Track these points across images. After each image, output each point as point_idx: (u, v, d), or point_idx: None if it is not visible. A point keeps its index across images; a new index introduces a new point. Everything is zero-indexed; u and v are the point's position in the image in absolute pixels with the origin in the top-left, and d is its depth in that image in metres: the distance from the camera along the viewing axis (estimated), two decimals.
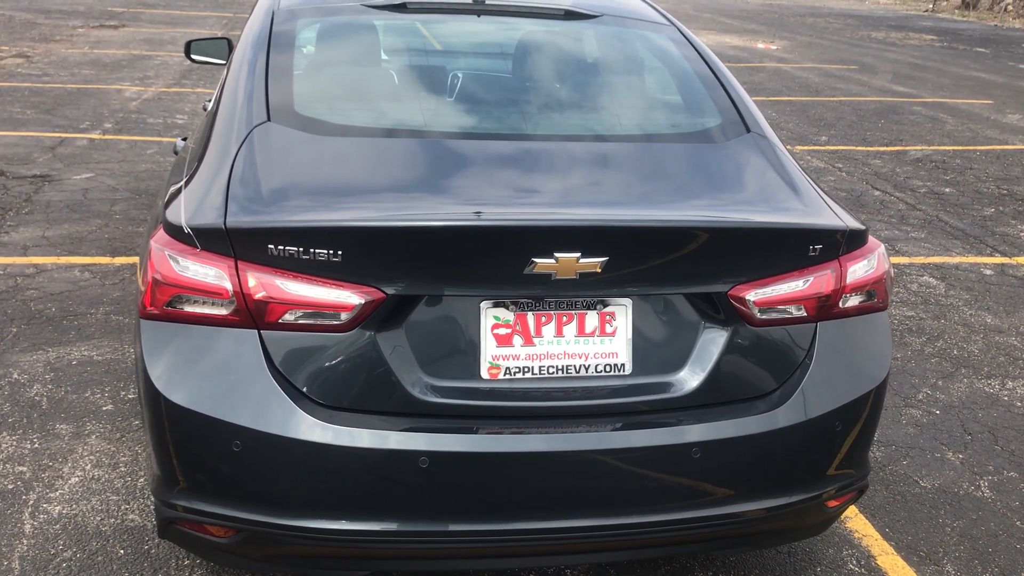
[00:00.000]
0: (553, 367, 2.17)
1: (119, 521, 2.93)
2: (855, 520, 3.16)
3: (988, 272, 5.76)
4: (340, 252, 2.02)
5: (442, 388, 2.12)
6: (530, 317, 2.15)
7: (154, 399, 2.12)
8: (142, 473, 3.19)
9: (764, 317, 2.22)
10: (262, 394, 2.07)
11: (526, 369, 2.16)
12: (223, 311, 2.09)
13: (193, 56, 4.87)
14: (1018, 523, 3.22)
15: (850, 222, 2.33)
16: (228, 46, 4.82)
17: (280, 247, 2.03)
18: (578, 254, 2.04)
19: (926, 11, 31.22)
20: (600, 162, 2.43)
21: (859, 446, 2.39)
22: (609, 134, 2.60)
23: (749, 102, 2.77)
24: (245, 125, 2.40)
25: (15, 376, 3.79)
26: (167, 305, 2.12)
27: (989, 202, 7.33)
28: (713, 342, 2.22)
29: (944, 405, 4.01)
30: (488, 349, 2.14)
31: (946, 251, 6.10)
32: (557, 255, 2.04)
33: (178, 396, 2.09)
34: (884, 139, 9.47)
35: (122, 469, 3.21)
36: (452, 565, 2.27)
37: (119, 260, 5.12)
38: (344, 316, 2.06)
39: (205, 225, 2.08)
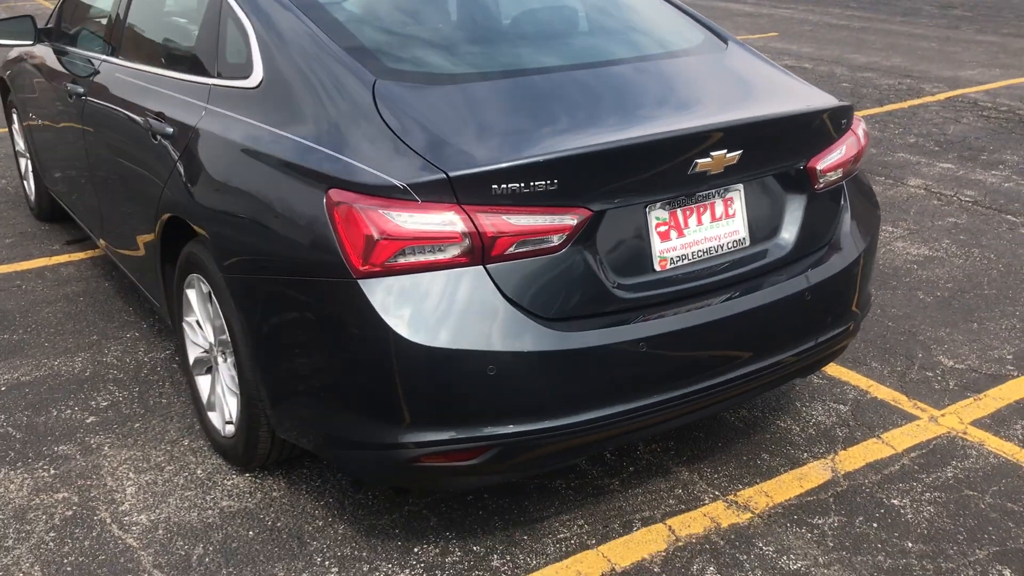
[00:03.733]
0: (699, 251, 2.59)
1: (217, 511, 2.90)
2: None
3: None
4: (556, 180, 2.27)
5: (633, 284, 2.47)
6: (679, 213, 2.55)
7: (389, 347, 2.24)
8: (196, 464, 3.11)
9: (823, 181, 2.80)
10: (504, 320, 2.28)
11: (683, 256, 2.56)
12: (452, 254, 2.25)
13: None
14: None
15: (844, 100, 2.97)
16: (32, 24, 4.42)
17: (503, 185, 2.23)
18: (726, 150, 2.47)
19: None
20: (679, 75, 2.84)
21: (872, 273, 3.08)
22: (659, 52, 2.98)
23: (709, 20, 3.29)
24: (359, 84, 2.49)
25: None
26: (389, 260, 2.24)
27: None
28: (796, 208, 2.76)
29: None
30: (656, 245, 2.51)
31: None
32: (712, 154, 2.45)
33: (427, 338, 2.23)
34: None
35: (169, 468, 3.11)
36: (662, 428, 2.64)
37: None
38: (556, 238, 2.32)
39: (425, 179, 2.22)
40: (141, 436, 3.29)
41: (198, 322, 3.16)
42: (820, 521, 2.86)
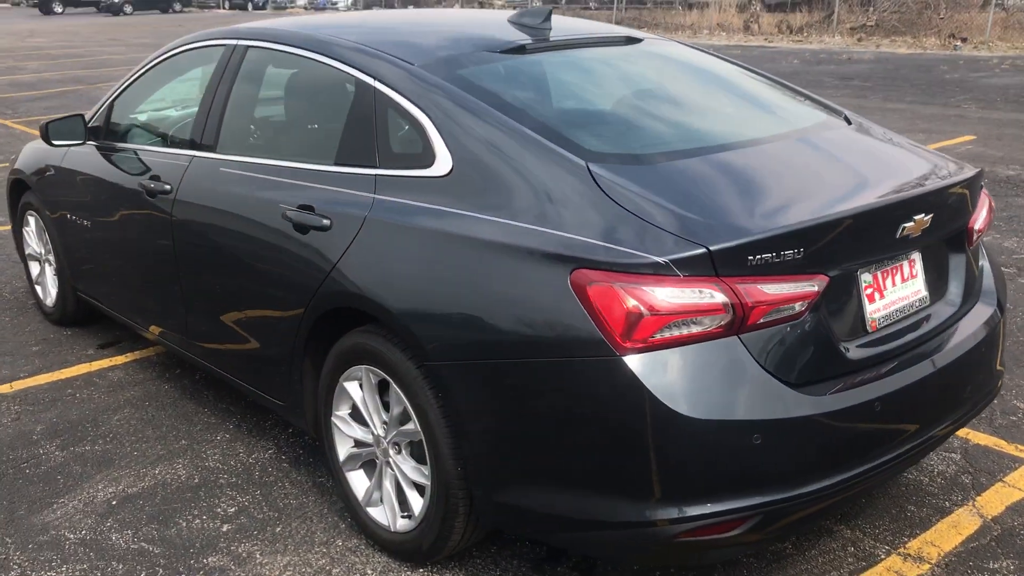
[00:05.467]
0: (895, 310, 2.71)
1: None
2: None
3: None
4: (802, 249, 2.36)
5: (855, 346, 2.56)
6: (879, 275, 2.66)
7: (659, 423, 2.26)
8: (363, 563, 3.00)
9: (975, 240, 2.97)
10: (764, 388, 2.33)
11: (886, 317, 2.67)
12: (710, 326, 2.29)
13: (54, 141, 4.24)
14: None
15: None
16: (83, 123, 4.30)
17: (757, 256, 2.31)
18: (923, 214, 2.62)
19: None
20: (845, 147, 2.98)
21: None
22: (812, 125, 3.12)
23: (817, 96, 3.48)
24: (573, 167, 2.53)
25: (71, 535, 3.19)
26: (653, 335, 2.27)
27: None
28: (959, 265, 2.92)
29: None
30: (866, 307, 2.61)
31: None
32: (915, 217, 2.59)
33: (699, 411, 2.26)
34: None
35: (337, 571, 2.98)
36: (880, 482, 2.69)
37: (17, 385, 4.30)
38: (799, 305, 2.39)
39: (687, 254, 2.27)
40: (289, 540, 3.15)
41: (352, 415, 3.08)
42: (996, 566, 2.97)
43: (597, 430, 2.37)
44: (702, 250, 2.28)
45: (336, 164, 3.09)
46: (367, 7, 40.46)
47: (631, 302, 2.26)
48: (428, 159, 2.79)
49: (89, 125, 4.36)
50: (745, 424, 2.30)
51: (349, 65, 3.14)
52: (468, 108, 2.78)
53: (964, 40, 20.43)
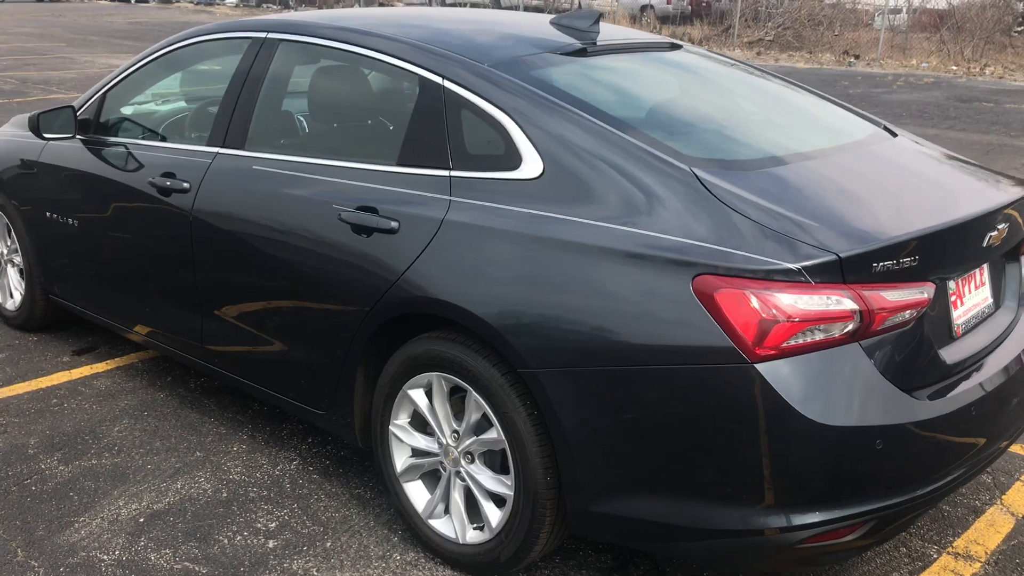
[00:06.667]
0: (971, 316, 2.78)
1: None
2: None
3: None
4: (918, 256, 2.40)
5: (951, 351, 2.61)
6: (959, 283, 2.73)
7: (792, 429, 2.26)
8: None
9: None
10: (884, 394, 2.35)
11: (966, 323, 2.74)
12: (837, 332, 2.30)
13: (45, 134, 3.96)
14: None
15: None
16: (73, 115, 4.05)
17: (880, 263, 2.33)
18: (1004, 224, 2.70)
19: None
20: (908, 157, 3.05)
21: None
22: (867, 135, 3.17)
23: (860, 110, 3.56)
24: (679, 172, 2.50)
25: (104, 556, 2.98)
26: (785, 342, 2.27)
27: None
28: (1014, 273, 3.03)
29: None
30: (952, 313, 2.68)
31: None
32: (998, 227, 2.67)
33: (833, 418, 2.27)
34: None
35: None
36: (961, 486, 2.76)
37: None
38: (909, 313, 2.43)
39: (818, 260, 2.27)
40: (342, 555, 3.02)
41: (412, 424, 2.98)
42: None
43: (719, 437, 2.34)
44: (833, 257, 2.28)
45: (399, 164, 2.98)
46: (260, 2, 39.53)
47: (765, 308, 2.25)
48: (513, 161, 2.72)
49: (78, 118, 4.10)
50: (872, 430, 2.32)
51: (410, 62, 3.03)
52: (555, 110, 2.72)
53: (857, 57, 21.34)
